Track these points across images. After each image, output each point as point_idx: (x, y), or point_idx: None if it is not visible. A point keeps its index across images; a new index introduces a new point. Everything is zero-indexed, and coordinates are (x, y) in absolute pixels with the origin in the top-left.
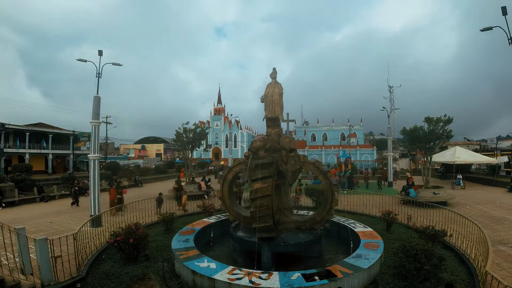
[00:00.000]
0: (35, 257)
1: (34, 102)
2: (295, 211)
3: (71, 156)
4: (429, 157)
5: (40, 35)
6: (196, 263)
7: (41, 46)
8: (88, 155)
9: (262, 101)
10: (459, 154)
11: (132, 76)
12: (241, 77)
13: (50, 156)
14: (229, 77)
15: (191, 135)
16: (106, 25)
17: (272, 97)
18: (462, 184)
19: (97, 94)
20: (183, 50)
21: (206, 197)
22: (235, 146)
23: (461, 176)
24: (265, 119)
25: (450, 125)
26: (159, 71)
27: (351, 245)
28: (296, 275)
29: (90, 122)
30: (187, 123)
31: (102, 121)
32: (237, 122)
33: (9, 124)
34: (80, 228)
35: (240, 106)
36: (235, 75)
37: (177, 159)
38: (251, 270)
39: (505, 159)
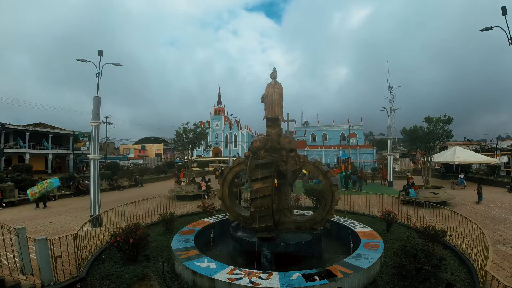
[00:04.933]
0: (35, 257)
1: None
2: (295, 211)
3: (71, 156)
4: (429, 157)
5: None
6: (196, 263)
7: None
8: (88, 155)
9: (262, 101)
10: (459, 154)
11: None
12: None
13: (50, 156)
14: None
15: (191, 135)
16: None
17: (272, 97)
18: (464, 183)
19: (97, 94)
20: None
21: (206, 197)
22: (235, 146)
23: (463, 176)
24: (265, 119)
25: None
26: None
27: (351, 245)
28: (296, 275)
29: (90, 122)
30: (187, 123)
31: (102, 121)
32: (237, 122)
33: (9, 124)
34: (80, 228)
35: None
36: None
37: (177, 159)
38: (251, 270)
39: (505, 159)
